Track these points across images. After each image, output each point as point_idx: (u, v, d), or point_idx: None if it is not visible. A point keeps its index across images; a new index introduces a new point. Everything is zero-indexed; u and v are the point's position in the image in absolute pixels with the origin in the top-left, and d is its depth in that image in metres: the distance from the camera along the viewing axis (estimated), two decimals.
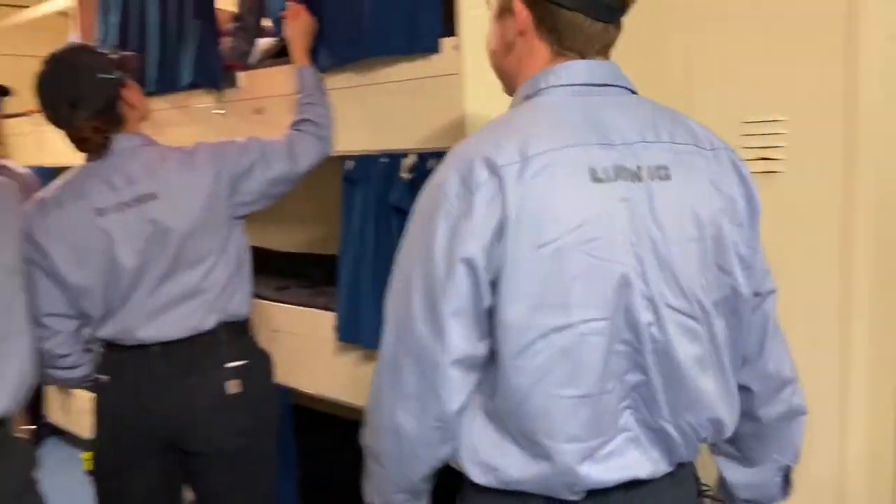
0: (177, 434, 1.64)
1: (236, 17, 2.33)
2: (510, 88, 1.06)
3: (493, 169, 0.87)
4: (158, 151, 1.65)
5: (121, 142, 1.62)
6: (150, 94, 2.36)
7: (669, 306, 0.90)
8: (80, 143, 1.61)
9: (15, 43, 3.67)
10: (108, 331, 1.62)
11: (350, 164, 1.89)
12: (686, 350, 0.92)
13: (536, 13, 0.97)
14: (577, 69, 0.97)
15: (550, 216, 0.86)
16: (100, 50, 1.65)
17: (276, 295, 2.22)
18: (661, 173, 0.91)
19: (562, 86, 0.96)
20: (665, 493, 0.97)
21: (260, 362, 1.77)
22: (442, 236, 0.88)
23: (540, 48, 0.99)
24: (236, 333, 1.70)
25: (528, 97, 0.98)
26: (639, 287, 0.89)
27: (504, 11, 1.02)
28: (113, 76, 1.59)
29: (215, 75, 2.17)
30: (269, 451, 1.77)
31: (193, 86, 2.22)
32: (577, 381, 0.89)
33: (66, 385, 1.73)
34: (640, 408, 0.93)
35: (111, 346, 1.65)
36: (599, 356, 0.88)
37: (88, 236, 1.57)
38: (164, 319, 1.61)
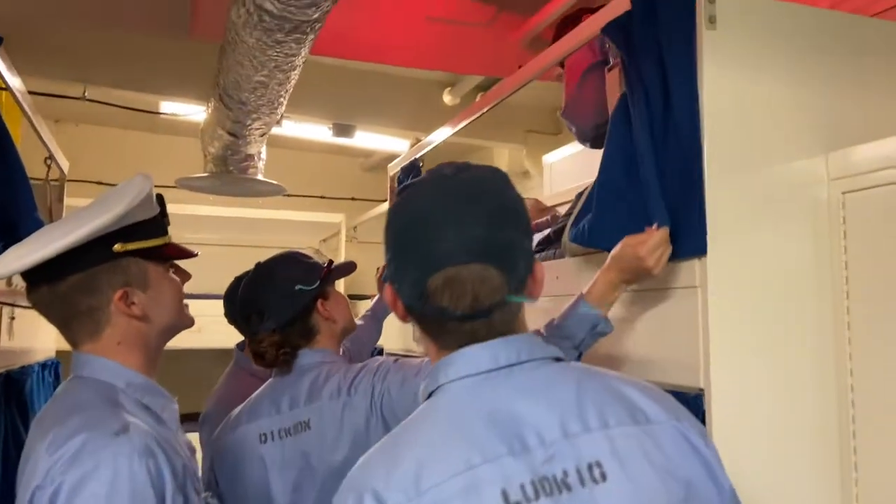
0: None
1: None
2: None
3: None
4: (327, 371, 1.44)
5: (303, 358, 1.47)
6: None
7: None
8: (255, 357, 1.48)
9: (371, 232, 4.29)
10: None
11: None
12: None
13: (400, 310, 0.89)
14: (476, 355, 0.84)
15: None
16: (310, 259, 1.56)
17: None
18: (595, 474, 0.76)
19: (460, 378, 0.84)
20: None
21: None
22: None
23: (426, 338, 0.89)
24: None
25: (430, 395, 0.86)
26: None
27: None
28: (311, 288, 1.47)
29: None
30: None
31: None
32: None
33: None
34: None
35: None
36: None
37: (250, 465, 1.42)
38: None
